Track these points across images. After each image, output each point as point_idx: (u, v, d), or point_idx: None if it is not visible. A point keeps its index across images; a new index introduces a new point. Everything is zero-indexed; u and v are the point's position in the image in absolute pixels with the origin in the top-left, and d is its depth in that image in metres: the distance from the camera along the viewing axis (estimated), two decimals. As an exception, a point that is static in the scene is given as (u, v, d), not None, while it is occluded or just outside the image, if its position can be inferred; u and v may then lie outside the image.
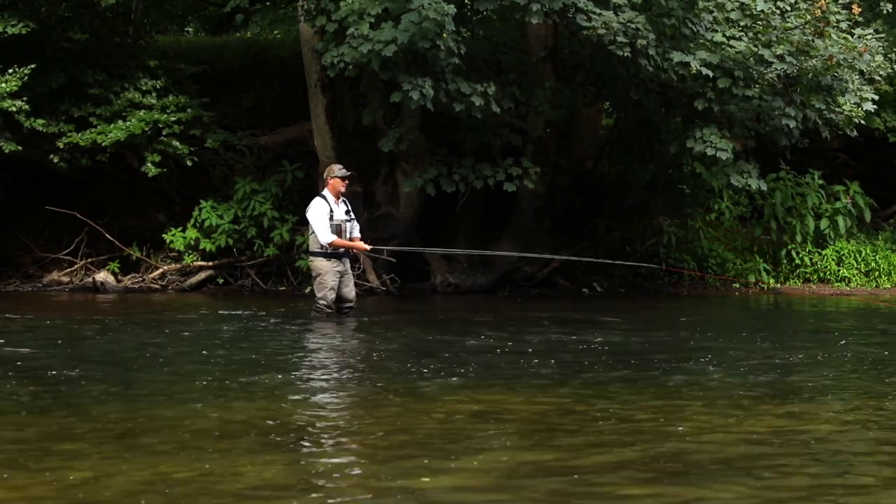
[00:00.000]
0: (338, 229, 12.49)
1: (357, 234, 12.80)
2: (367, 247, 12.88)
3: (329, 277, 12.49)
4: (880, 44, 16.17)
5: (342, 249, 12.52)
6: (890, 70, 17.01)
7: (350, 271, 12.83)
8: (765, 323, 13.81)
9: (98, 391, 7.85)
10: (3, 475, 5.51)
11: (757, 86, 15.26)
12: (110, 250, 17.10)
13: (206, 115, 16.89)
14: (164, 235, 17.11)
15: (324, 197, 12.63)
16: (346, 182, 12.80)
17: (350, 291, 12.73)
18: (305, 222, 17.02)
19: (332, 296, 12.48)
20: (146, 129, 15.96)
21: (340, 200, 12.71)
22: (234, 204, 17.00)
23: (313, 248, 12.63)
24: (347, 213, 12.76)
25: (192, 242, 16.98)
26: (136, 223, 17.57)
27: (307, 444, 6.40)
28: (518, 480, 5.55)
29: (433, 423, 6.87)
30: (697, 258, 18.58)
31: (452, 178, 15.71)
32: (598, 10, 13.97)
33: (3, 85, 15.06)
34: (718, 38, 15.02)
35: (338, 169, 12.79)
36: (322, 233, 12.41)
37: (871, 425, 7.08)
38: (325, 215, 12.46)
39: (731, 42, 15.15)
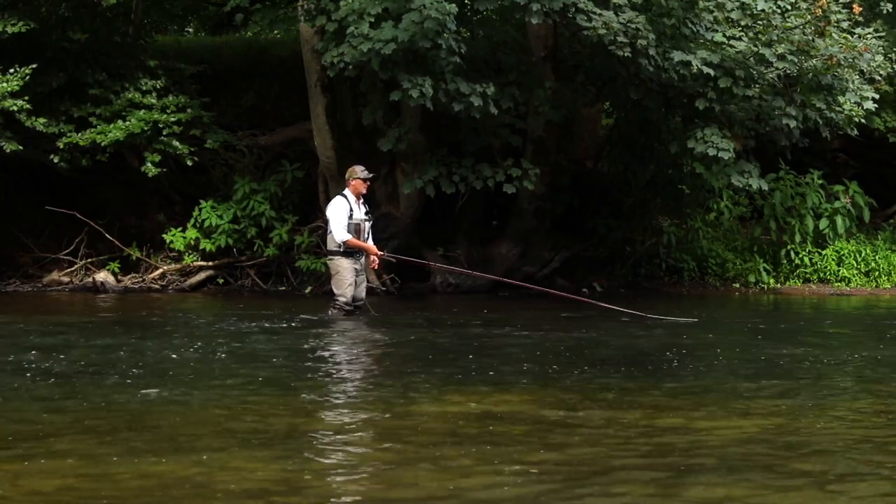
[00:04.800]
0: (356, 229, 12.67)
1: (370, 243, 13.00)
2: (380, 252, 12.96)
3: (347, 275, 12.64)
4: (880, 43, 16.18)
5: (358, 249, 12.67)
6: (890, 70, 17.03)
7: (364, 272, 12.98)
8: (764, 323, 13.80)
9: (101, 390, 7.85)
10: (4, 473, 5.51)
11: (757, 85, 15.26)
12: (110, 250, 17.09)
13: (206, 115, 16.88)
14: (164, 235, 17.11)
15: (345, 196, 12.76)
16: (368, 183, 12.91)
17: (361, 291, 12.88)
18: (305, 222, 17.17)
19: (350, 293, 12.64)
20: (146, 128, 15.96)
21: (361, 201, 12.84)
22: (234, 204, 17.00)
23: (331, 246, 12.79)
24: (367, 213, 12.91)
25: (192, 242, 16.98)
26: (136, 223, 17.57)
27: (308, 443, 6.40)
28: (520, 480, 5.55)
29: (435, 424, 6.87)
30: (697, 258, 18.59)
31: (452, 178, 15.70)
32: (598, 10, 13.97)
33: (5, 84, 15.07)
34: (719, 37, 15.03)
35: (360, 170, 12.89)
36: (338, 231, 12.60)
37: (872, 425, 7.08)
38: (345, 214, 12.62)
39: (732, 42, 15.16)
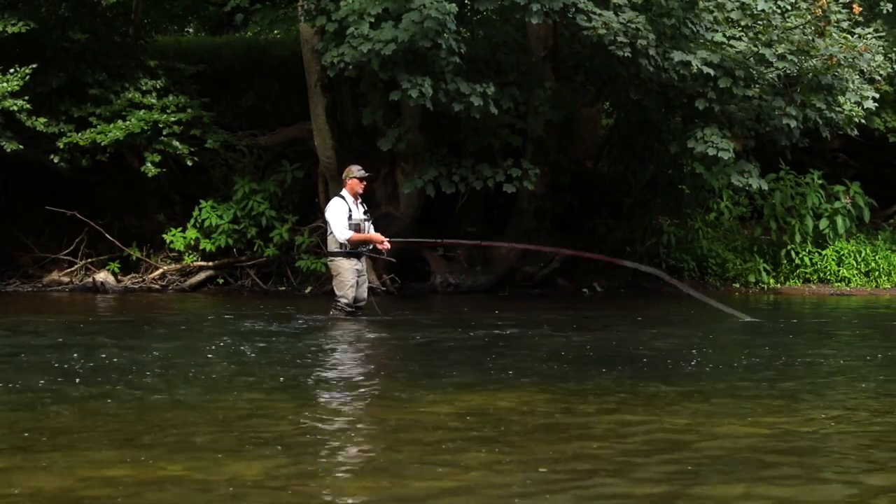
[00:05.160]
0: (357, 229, 12.63)
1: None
2: (386, 240, 12.90)
3: (349, 276, 12.62)
4: (880, 43, 16.19)
5: (361, 248, 12.63)
6: (890, 70, 17.03)
7: (366, 273, 12.97)
8: (768, 324, 13.80)
9: (100, 390, 7.85)
10: (5, 473, 5.51)
11: (757, 85, 15.27)
12: (110, 250, 17.11)
13: (206, 115, 16.89)
14: (164, 235, 17.12)
15: (342, 197, 12.73)
16: (364, 183, 12.84)
17: (363, 292, 12.86)
18: (305, 222, 17.17)
19: (352, 294, 12.62)
20: (146, 128, 15.96)
21: (359, 201, 12.81)
22: (234, 204, 17.00)
23: (332, 247, 12.77)
24: (366, 213, 12.89)
25: (192, 242, 16.98)
26: (136, 223, 17.58)
27: (306, 444, 6.40)
28: (518, 482, 5.55)
29: (443, 424, 6.87)
30: (697, 258, 18.59)
31: (452, 178, 15.70)
32: (598, 11, 13.98)
33: (5, 84, 15.07)
34: (719, 37, 15.03)
35: (356, 170, 12.84)
36: (339, 230, 12.54)
37: (872, 426, 7.08)
38: (344, 214, 12.57)
39: (732, 42, 15.17)
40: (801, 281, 18.69)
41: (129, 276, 17.02)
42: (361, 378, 8.99)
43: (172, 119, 16.24)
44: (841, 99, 15.73)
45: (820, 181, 19.02)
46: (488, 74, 15.16)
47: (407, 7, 13.64)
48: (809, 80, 15.47)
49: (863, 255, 18.92)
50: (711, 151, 15.04)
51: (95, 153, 16.03)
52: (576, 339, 11.36)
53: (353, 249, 12.63)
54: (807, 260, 18.75)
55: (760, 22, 15.40)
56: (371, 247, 12.89)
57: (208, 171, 17.57)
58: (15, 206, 17.12)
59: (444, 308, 14.94)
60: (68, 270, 17.00)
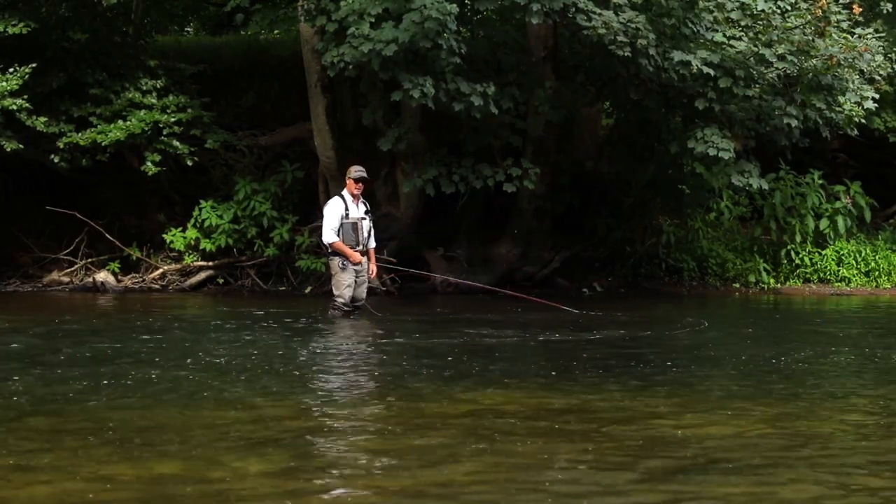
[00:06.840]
0: (353, 227, 12.61)
1: (372, 243, 12.97)
2: (373, 267, 12.91)
3: (346, 276, 12.62)
4: (880, 44, 16.19)
5: (360, 248, 12.61)
6: (890, 70, 17.03)
7: (366, 273, 12.94)
8: (764, 323, 13.80)
9: (99, 391, 7.85)
10: (2, 475, 5.51)
11: (757, 85, 15.27)
12: (110, 250, 17.11)
13: (207, 115, 16.89)
14: (164, 235, 17.12)
15: (342, 196, 12.74)
16: (360, 185, 12.78)
17: (362, 292, 12.86)
18: (305, 222, 17.17)
19: (349, 294, 12.63)
20: (146, 128, 15.97)
21: (360, 200, 12.81)
22: (234, 204, 17.01)
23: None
24: (367, 212, 12.88)
25: (193, 242, 16.98)
26: (136, 223, 17.59)
27: (307, 444, 6.40)
28: (519, 481, 5.55)
29: (435, 424, 6.87)
30: (697, 258, 18.59)
31: (452, 178, 15.71)
32: (598, 10, 13.98)
33: (4, 84, 15.07)
34: (719, 37, 15.04)
35: (355, 170, 12.83)
36: (325, 232, 12.61)
37: (872, 426, 7.09)
38: (336, 215, 12.57)
39: (732, 42, 15.17)
40: (801, 281, 18.70)
41: (129, 276, 17.02)
42: (358, 378, 8.99)
43: (172, 119, 16.24)
44: (841, 99, 15.73)
45: (820, 181, 19.03)
46: (488, 74, 15.16)
47: (407, 7, 13.64)
48: (809, 80, 15.47)
49: (863, 254, 18.92)
50: (711, 151, 15.04)
51: (95, 153, 16.02)
52: (567, 339, 11.31)
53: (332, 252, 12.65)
54: (807, 260, 18.75)
55: (760, 22, 15.41)
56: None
57: (208, 171, 17.57)
58: (15, 206, 17.12)
59: (442, 308, 14.92)
60: (68, 270, 17.00)
